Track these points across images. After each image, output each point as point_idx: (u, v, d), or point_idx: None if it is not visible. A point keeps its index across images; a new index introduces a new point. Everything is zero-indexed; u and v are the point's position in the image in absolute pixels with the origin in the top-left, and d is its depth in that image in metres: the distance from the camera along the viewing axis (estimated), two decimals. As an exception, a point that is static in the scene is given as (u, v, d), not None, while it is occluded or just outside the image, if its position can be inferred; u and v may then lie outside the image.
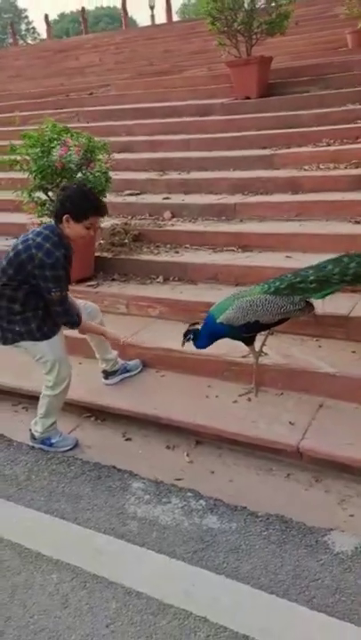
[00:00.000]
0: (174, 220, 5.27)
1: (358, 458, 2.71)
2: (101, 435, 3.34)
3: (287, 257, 4.27)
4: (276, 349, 3.46)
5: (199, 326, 3.23)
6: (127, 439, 3.28)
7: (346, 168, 5.21)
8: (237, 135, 6.35)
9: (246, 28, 6.77)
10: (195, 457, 3.05)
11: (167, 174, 6.05)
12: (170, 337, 3.91)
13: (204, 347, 3.23)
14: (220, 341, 3.29)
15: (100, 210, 3.00)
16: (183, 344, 3.22)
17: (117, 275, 4.71)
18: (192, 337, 3.20)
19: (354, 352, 3.37)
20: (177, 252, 4.76)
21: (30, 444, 3.20)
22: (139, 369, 3.70)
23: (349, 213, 4.59)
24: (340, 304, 3.53)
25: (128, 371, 3.65)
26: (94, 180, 4.36)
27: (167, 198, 5.58)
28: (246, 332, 3.15)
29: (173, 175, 5.97)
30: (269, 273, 4.10)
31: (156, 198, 5.64)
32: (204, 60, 10.73)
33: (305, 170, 5.38)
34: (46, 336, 3.00)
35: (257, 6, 6.64)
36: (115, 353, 3.61)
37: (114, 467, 2.94)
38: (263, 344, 3.33)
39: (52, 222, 3.02)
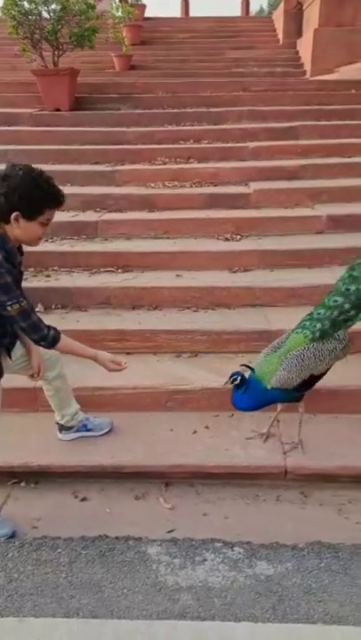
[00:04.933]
0: (25, 239, 4.67)
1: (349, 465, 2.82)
2: (46, 501, 2.76)
3: (177, 276, 4.19)
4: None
5: (248, 373, 2.76)
6: (82, 499, 2.78)
7: (191, 187, 5.36)
8: (63, 148, 5.97)
9: (54, 38, 6.41)
10: (172, 501, 2.75)
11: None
12: (88, 374, 3.43)
13: (248, 410, 2.86)
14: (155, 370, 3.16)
15: (58, 199, 2.28)
16: (226, 384, 2.76)
17: (-20, 306, 3.95)
18: (238, 381, 2.72)
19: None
20: (48, 277, 4.23)
21: None
22: (104, 430, 3.05)
23: (215, 231, 4.72)
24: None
25: (89, 430, 3.03)
26: None
27: (8, 216, 4.91)
28: (300, 390, 2.78)
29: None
30: (166, 293, 3.99)
31: (-6, 216, 4.90)
32: None
33: (152, 187, 5.35)
34: None
35: (64, 18, 6.33)
36: (75, 407, 3.02)
37: (105, 535, 2.44)
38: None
39: None
